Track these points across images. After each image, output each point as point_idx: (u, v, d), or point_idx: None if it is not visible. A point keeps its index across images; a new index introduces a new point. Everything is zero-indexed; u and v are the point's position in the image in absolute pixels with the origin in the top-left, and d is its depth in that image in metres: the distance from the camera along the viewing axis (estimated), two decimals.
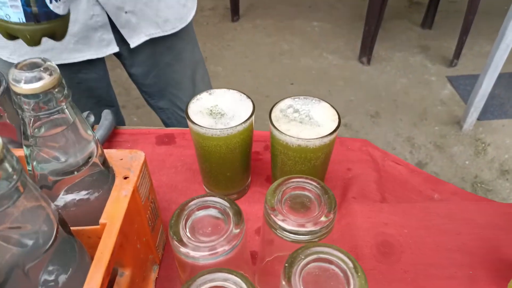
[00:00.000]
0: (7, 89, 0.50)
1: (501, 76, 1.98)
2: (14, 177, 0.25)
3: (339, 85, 2.04)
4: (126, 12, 0.68)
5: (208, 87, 0.92)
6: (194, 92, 0.86)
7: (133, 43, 0.72)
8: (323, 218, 0.35)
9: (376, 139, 1.71)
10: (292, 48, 2.33)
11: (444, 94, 1.93)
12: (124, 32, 0.70)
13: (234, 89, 0.50)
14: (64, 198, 0.36)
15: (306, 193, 0.37)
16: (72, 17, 0.55)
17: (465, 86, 1.93)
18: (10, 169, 0.24)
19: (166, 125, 0.95)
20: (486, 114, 1.78)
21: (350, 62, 2.19)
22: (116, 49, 0.71)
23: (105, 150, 0.40)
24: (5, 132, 0.50)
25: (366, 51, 2.12)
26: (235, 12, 2.57)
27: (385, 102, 1.90)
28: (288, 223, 0.35)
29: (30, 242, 0.28)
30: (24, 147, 0.34)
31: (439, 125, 1.76)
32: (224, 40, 2.41)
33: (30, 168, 0.35)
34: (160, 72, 0.82)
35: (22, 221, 0.27)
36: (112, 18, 0.67)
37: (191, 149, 0.63)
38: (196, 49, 0.87)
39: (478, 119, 1.72)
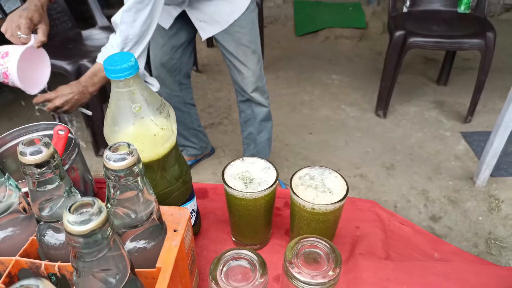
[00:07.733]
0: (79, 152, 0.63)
1: None
2: (110, 234, 0.35)
3: (356, 136, 2.14)
4: (200, 21, 1.27)
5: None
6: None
7: (203, 38, 1.33)
8: (330, 272, 0.44)
9: (391, 191, 1.78)
10: (312, 99, 2.48)
11: (458, 150, 1.99)
12: (200, 32, 1.32)
13: (262, 158, 0.61)
14: (128, 245, 0.47)
15: (318, 250, 0.46)
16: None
17: (479, 142, 2.00)
18: (109, 231, 0.35)
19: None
20: (500, 171, 1.83)
21: (367, 114, 2.30)
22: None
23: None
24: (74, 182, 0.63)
25: (383, 105, 2.24)
26: None
27: (400, 155, 1.98)
28: (302, 275, 0.44)
29: (113, 281, 0.38)
30: (107, 205, 0.45)
31: (453, 180, 1.81)
32: None
33: None
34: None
35: (111, 265, 0.37)
36: (194, 23, 1.28)
37: (221, 202, 0.73)
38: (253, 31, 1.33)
39: (492, 175, 1.77)
